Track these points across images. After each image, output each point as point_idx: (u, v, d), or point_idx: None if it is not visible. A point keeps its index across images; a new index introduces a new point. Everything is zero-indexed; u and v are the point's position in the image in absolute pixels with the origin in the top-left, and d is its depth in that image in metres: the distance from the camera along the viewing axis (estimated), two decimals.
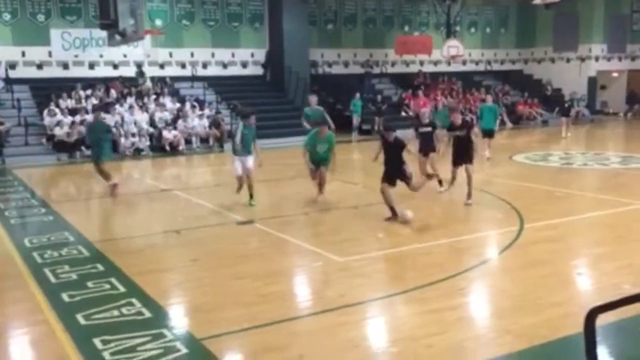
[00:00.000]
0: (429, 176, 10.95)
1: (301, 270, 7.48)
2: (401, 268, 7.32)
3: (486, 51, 31.00)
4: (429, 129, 11.63)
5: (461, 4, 27.63)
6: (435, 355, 4.78)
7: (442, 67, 29.11)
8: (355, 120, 23.89)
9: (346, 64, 27.37)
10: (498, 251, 7.76)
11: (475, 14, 30.48)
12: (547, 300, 5.93)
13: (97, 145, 12.18)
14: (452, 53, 27.29)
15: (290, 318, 5.64)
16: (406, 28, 28.66)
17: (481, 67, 30.83)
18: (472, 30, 30.61)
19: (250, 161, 10.58)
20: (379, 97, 24.98)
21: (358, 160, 18.53)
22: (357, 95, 23.90)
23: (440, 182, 11.46)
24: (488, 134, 15.87)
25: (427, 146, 11.49)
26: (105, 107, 18.75)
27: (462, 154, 10.40)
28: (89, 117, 18.94)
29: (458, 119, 10.68)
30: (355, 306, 5.95)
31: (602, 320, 1.98)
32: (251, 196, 10.56)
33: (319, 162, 10.82)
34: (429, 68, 28.83)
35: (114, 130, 17.97)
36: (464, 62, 29.80)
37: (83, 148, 18.30)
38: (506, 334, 5.16)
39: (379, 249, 7.98)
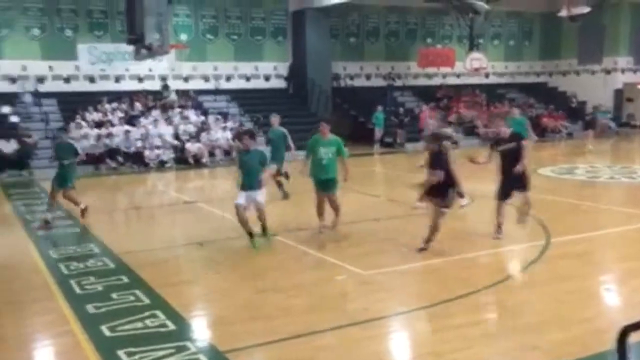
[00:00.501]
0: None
1: (324, 284, 7.44)
2: (425, 282, 7.25)
3: (510, 64, 30.80)
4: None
5: (485, 17, 27.54)
6: None
7: (465, 80, 28.98)
8: (377, 133, 23.86)
9: (368, 77, 27.40)
10: (524, 266, 7.65)
11: (499, 26, 30.34)
12: (575, 316, 5.83)
13: (62, 168, 10.76)
14: (475, 65, 27.16)
15: (313, 332, 5.61)
16: (429, 40, 28.63)
17: (505, 80, 30.62)
18: (496, 42, 30.45)
19: (259, 195, 8.48)
20: (401, 110, 24.94)
21: (380, 173, 18.49)
22: (379, 108, 23.89)
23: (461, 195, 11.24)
24: None
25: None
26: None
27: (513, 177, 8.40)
28: (114, 130, 19.24)
29: (504, 130, 8.75)
30: (378, 320, 5.91)
31: (634, 338, 1.93)
32: (264, 229, 8.71)
33: (324, 182, 9.08)
34: (451, 80, 28.74)
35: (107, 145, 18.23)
36: (487, 75, 29.64)
37: (108, 160, 18.55)
38: (533, 350, 5.08)
39: (402, 262, 7.91)
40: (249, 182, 8.41)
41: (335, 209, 9.36)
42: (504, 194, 8.57)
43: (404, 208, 11.11)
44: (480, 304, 6.35)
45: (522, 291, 6.94)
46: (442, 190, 7.92)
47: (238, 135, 18.94)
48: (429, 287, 7.00)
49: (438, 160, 8.01)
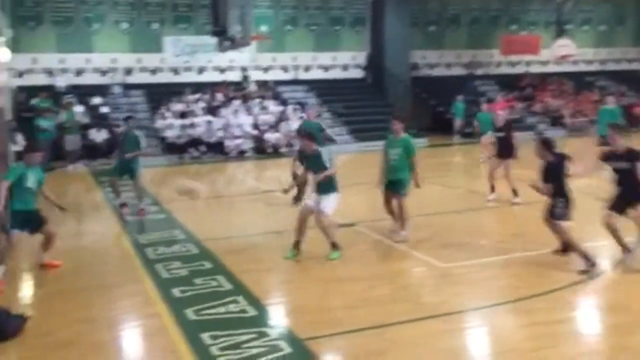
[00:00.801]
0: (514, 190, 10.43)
1: (402, 275, 7.39)
2: (506, 277, 7.03)
3: (600, 50, 29.27)
4: (502, 134, 10.96)
5: (573, 1, 26.31)
6: None
7: (551, 68, 27.82)
8: (457, 123, 23.35)
9: (448, 66, 26.82)
10: (613, 262, 7.28)
11: (590, 10, 28.86)
12: None
13: (123, 160, 10.86)
14: (562, 53, 25.97)
15: (392, 323, 5.58)
16: (513, 27, 27.65)
17: (594, 67, 29.15)
18: (585, 27, 29.00)
19: (326, 202, 7.52)
20: (482, 99, 24.18)
21: (460, 164, 18.09)
22: (460, 97, 23.35)
23: (515, 191, 10.62)
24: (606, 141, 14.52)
25: (502, 151, 10.85)
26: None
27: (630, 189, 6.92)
28: (197, 120, 19.81)
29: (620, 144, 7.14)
30: (457, 314, 5.80)
31: None
32: (333, 246, 7.60)
33: (390, 183, 8.44)
34: (536, 68, 27.67)
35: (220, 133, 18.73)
36: (575, 62, 28.30)
37: (191, 150, 19.15)
38: (623, 351, 4.84)
39: (483, 256, 7.71)
40: (316, 185, 7.70)
41: (402, 214, 8.43)
42: (617, 209, 7.03)
43: (485, 200, 10.85)
44: (565, 301, 6.11)
45: (611, 289, 6.63)
46: (551, 202, 7.03)
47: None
48: (510, 282, 6.79)
49: (552, 173, 6.93)
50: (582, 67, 28.74)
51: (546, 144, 7.07)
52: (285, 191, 10.90)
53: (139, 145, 10.99)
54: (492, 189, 10.96)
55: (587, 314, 5.92)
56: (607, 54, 29.47)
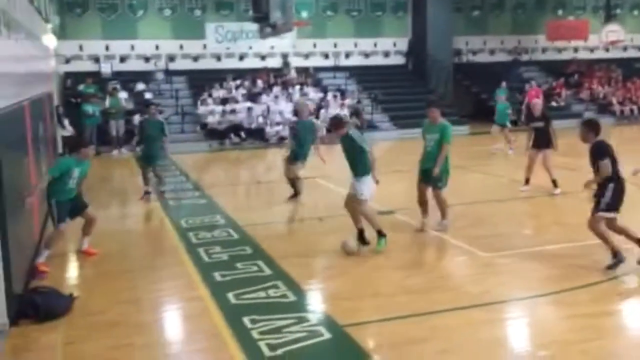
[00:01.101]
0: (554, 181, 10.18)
1: (443, 264, 7.34)
2: (550, 267, 6.88)
3: None
4: (541, 123, 10.63)
5: None
6: None
7: (599, 54, 27.02)
8: None
9: (492, 52, 26.29)
10: None
11: None
12: None
13: (149, 146, 10.94)
14: (612, 38, 25.18)
15: (432, 312, 5.55)
16: (560, 12, 26.90)
17: None
18: (636, 12, 28.01)
19: (361, 185, 7.33)
20: (526, 86, 23.60)
21: (501, 152, 17.76)
22: (503, 84, 22.88)
23: (554, 182, 10.41)
24: None
25: (539, 141, 10.54)
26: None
27: None
28: (238, 107, 19.97)
29: None
30: (500, 304, 5.73)
31: None
32: (379, 234, 7.40)
33: (425, 172, 8.17)
34: (584, 55, 26.90)
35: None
36: (625, 48, 27.40)
37: (232, 135, 19.33)
38: None
39: (526, 246, 7.59)
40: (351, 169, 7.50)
41: (440, 205, 8.19)
42: None
43: (528, 190, 10.64)
44: (610, 293, 5.96)
45: None
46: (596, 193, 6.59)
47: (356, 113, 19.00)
48: (553, 272, 6.63)
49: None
50: (632, 54, 27.81)
51: (590, 126, 6.67)
52: (321, 219, 9.22)
53: (163, 131, 11.05)
54: (527, 181, 10.70)
55: (632, 307, 5.77)
56: None
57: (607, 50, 26.80)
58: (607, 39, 25.31)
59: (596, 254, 6.96)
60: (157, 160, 11.15)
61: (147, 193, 10.89)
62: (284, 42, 22.05)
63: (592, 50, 26.95)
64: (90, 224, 7.63)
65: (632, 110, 23.41)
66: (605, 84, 25.00)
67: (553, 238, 7.80)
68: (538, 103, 11.27)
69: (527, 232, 8.22)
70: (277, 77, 22.25)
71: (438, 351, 4.74)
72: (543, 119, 10.73)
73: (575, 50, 26.94)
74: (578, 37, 25.70)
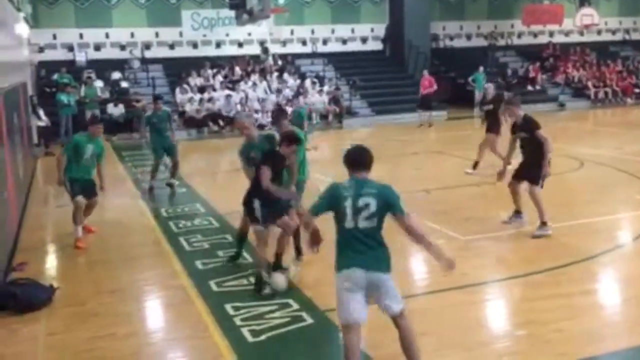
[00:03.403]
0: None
1: (422, 248, 7.41)
2: (527, 249, 7.02)
3: (624, 19, 28.60)
4: (491, 106, 11.08)
5: None
6: (566, 341, 4.58)
7: (574, 38, 27.31)
8: (478, 95, 23.08)
9: (469, 37, 26.43)
10: (636, 235, 7.24)
11: None
12: None
13: (161, 137, 10.77)
14: (586, 22, 25.46)
15: (413, 295, 5.64)
16: None
17: (618, 37, 28.53)
18: None
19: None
20: (509, 71, 23.72)
21: (480, 137, 17.93)
22: (480, 69, 23.06)
23: (476, 164, 10.92)
24: None
25: (489, 125, 11.03)
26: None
27: None
28: (216, 95, 19.84)
29: None
30: (478, 286, 5.84)
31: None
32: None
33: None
34: (559, 39, 27.17)
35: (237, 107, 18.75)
36: (599, 32, 27.72)
37: (211, 124, 19.22)
38: None
39: (503, 229, 7.70)
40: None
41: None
42: None
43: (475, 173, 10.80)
44: (587, 274, 6.11)
45: (633, 262, 6.60)
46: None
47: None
48: (531, 254, 6.78)
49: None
50: (606, 37, 28.16)
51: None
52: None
53: (171, 122, 11.12)
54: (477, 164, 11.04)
55: (609, 287, 5.92)
56: (632, 23, 28.79)
57: (581, 34, 27.10)
58: (581, 22, 25.58)
59: (572, 235, 7.11)
60: (175, 148, 11.00)
61: (151, 189, 10.68)
62: (260, 29, 21.91)
63: (567, 34, 27.23)
64: (91, 208, 7.87)
65: (606, 94, 23.75)
66: (580, 68, 25.29)
67: (530, 220, 7.92)
68: (490, 87, 11.54)
69: (504, 215, 8.32)
70: (255, 65, 22.14)
71: (418, 334, 4.81)
72: (492, 103, 11.11)
73: (551, 34, 27.19)
74: (553, 21, 25.94)
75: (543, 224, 7.21)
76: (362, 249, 4.09)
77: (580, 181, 10.43)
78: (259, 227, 5.73)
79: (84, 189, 7.61)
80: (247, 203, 5.89)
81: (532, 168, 7.19)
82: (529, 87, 24.16)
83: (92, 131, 7.75)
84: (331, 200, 4.10)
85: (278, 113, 7.41)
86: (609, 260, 6.50)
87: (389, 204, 4.08)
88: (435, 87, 19.59)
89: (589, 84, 24.06)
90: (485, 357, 4.42)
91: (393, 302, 4.10)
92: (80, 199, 7.52)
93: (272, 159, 5.72)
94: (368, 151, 4.14)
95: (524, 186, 7.40)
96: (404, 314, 4.16)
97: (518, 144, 7.48)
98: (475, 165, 11.01)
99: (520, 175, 7.44)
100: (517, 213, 7.69)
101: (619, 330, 4.81)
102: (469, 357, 4.42)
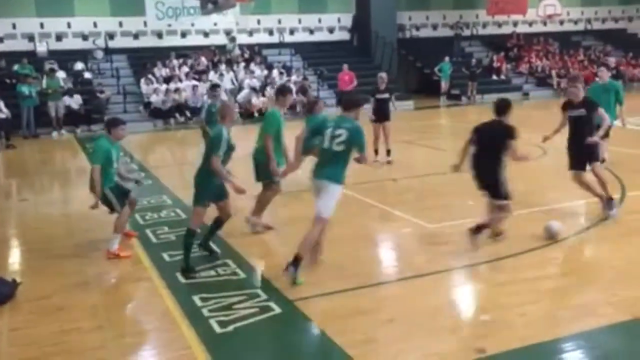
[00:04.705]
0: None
1: (390, 236, 7.49)
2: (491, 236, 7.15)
3: (586, 9, 29.19)
4: (386, 95, 11.42)
5: None
6: (529, 324, 4.69)
7: (538, 28, 27.75)
8: (444, 85, 23.32)
9: (435, 27, 26.65)
10: (597, 220, 7.42)
11: None
12: None
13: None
14: (549, 12, 25.92)
15: (380, 282, 5.71)
16: None
17: (580, 27, 29.11)
18: None
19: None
20: (473, 61, 24.03)
21: (447, 126, 18.15)
22: (446, 59, 23.27)
23: (376, 151, 11.21)
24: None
25: (381, 113, 11.34)
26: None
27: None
28: (182, 85, 19.60)
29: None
30: (444, 272, 5.92)
31: None
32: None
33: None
34: (523, 29, 27.58)
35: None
36: (562, 22, 28.24)
37: (177, 115, 19.00)
38: (606, 305, 4.97)
39: (469, 216, 7.77)
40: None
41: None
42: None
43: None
44: (550, 259, 6.25)
45: (594, 246, 6.79)
46: None
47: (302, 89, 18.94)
48: (495, 241, 6.89)
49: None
50: (569, 27, 28.70)
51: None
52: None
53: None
54: (376, 152, 11.29)
55: (571, 271, 6.06)
56: (593, 13, 29.41)
57: (544, 24, 27.55)
58: (544, 13, 26.01)
59: (535, 221, 7.25)
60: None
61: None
62: (226, 19, 21.75)
63: (530, 24, 27.66)
64: (132, 206, 7.12)
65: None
66: (544, 58, 25.73)
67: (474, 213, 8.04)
68: (383, 77, 11.60)
69: (472, 203, 8.43)
70: (221, 55, 21.95)
71: (385, 321, 4.87)
72: (387, 92, 11.46)
73: (515, 24, 27.58)
74: (517, 11, 26.32)
75: (609, 199, 7.30)
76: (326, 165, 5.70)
77: (543, 168, 10.63)
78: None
79: (124, 195, 6.95)
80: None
81: (587, 148, 7.15)
82: (494, 77, 24.50)
83: (115, 134, 6.88)
84: (321, 126, 5.91)
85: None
86: (573, 244, 6.66)
87: (353, 138, 5.64)
88: (355, 83, 19.64)
89: (553, 73, 24.50)
90: (452, 342, 4.50)
91: (322, 207, 5.69)
92: (127, 209, 6.89)
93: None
94: (353, 98, 6.19)
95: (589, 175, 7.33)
96: (322, 221, 5.72)
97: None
98: (377, 153, 11.34)
99: (579, 162, 7.32)
100: (609, 200, 7.33)
101: (582, 313, 4.92)
102: (435, 341, 4.48)
